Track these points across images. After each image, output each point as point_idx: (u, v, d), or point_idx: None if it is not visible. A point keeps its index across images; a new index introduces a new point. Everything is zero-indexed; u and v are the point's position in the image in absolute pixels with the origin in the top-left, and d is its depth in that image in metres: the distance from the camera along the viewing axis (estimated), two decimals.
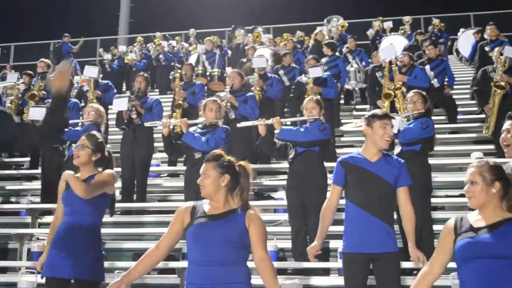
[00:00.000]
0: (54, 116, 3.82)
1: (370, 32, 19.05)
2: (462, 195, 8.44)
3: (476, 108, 11.85)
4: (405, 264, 6.07)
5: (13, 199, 10.28)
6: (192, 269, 3.77)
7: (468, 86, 14.24)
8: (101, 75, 11.32)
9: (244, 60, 14.54)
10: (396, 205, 5.06)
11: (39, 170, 9.48)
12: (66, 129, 7.64)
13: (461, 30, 17.85)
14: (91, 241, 5.15)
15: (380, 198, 4.88)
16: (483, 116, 10.79)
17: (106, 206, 5.32)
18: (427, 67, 11.37)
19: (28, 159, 11.31)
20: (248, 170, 3.95)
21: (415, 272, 6.49)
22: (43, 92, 11.21)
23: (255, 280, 3.79)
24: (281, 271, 7.17)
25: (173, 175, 10.75)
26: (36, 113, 8.41)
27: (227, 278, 3.68)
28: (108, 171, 5.30)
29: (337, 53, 13.24)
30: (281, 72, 12.25)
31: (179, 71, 12.06)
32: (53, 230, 5.26)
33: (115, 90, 11.43)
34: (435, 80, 11.43)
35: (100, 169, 5.33)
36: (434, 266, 3.72)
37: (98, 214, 5.23)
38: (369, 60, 14.24)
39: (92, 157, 5.29)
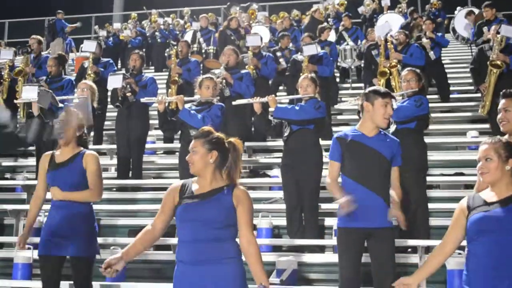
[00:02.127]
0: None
1: (362, 10, 18.91)
2: (457, 174, 8.50)
3: (472, 87, 11.85)
4: (399, 242, 6.09)
5: (8, 175, 10.29)
6: (182, 248, 3.79)
7: (465, 65, 14.20)
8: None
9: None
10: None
11: (34, 147, 9.46)
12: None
13: (458, 8, 17.75)
14: (85, 218, 5.16)
15: (378, 172, 4.85)
16: (479, 95, 10.78)
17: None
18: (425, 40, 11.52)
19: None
20: (237, 146, 3.92)
21: (409, 250, 6.53)
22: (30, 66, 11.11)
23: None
24: (276, 248, 7.21)
25: (169, 152, 10.76)
26: (29, 93, 8.31)
27: (217, 254, 3.69)
28: (91, 157, 5.21)
29: None
30: (278, 54, 12.22)
31: (175, 47, 12.01)
32: (35, 206, 5.28)
33: (115, 68, 11.38)
34: (431, 52, 11.47)
35: (81, 148, 5.24)
36: (447, 243, 3.74)
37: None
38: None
39: (76, 132, 5.24)
